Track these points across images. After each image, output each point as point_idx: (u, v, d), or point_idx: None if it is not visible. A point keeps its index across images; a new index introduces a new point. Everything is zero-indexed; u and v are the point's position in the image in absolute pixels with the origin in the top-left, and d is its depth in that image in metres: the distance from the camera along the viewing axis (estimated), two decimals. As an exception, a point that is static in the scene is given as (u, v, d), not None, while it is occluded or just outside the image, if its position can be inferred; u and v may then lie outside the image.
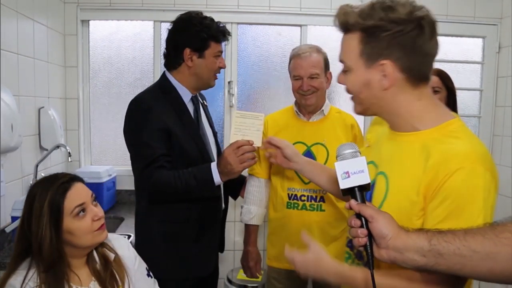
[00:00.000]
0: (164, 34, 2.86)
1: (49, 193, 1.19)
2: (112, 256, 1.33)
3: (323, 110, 1.93)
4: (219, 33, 1.76)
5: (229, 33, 1.81)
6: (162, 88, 1.78)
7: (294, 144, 1.85)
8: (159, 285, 1.47)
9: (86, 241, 1.23)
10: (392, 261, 0.89)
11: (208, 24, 1.75)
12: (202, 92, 1.96)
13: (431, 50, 1.03)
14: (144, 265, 1.44)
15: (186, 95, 1.79)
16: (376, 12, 0.99)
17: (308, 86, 1.85)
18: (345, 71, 1.09)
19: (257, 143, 1.62)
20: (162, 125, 1.65)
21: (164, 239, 1.73)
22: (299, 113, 1.95)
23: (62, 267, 1.20)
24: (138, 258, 1.43)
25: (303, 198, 1.88)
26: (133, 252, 1.42)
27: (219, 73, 1.83)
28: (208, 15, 1.80)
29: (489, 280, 0.84)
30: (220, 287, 2.22)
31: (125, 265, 1.34)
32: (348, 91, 1.11)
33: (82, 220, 1.21)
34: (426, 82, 1.05)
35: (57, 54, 2.65)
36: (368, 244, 0.91)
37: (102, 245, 1.32)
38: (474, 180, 0.92)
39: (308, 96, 1.87)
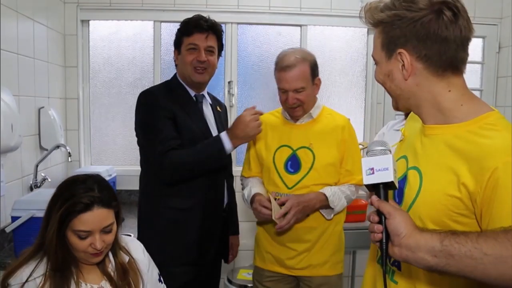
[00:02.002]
0: (164, 34, 2.90)
1: (68, 202, 1.16)
2: (126, 258, 1.32)
3: (311, 113, 1.85)
4: (189, 27, 1.80)
5: (201, 26, 1.78)
6: (169, 84, 1.90)
7: (280, 147, 1.84)
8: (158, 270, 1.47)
9: (78, 256, 1.22)
10: (404, 259, 0.89)
11: (186, 21, 1.82)
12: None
13: (451, 36, 0.98)
14: (156, 270, 1.43)
15: (190, 92, 1.87)
16: (397, 3, 0.99)
17: (293, 100, 1.76)
18: (375, 65, 1.08)
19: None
20: (169, 113, 1.75)
21: (168, 225, 1.78)
22: (287, 115, 1.88)
23: (69, 267, 1.21)
24: (152, 262, 1.42)
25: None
26: (147, 256, 1.41)
27: (201, 67, 1.80)
28: (208, 15, 1.84)
29: (500, 284, 0.84)
30: (220, 287, 2.21)
31: (139, 268, 1.33)
32: (378, 82, 1.10)
33: (81, 242, 1.18)
34: (453, 71, 1.01)
35: (57, 54, 2.65)
36: (383, 240, 0.92)
37: (118, 247, 1.31)
38: None
39: (294, 109, 1.80)
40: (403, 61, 0.99)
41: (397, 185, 0.96)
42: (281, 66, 1.77)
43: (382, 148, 0.97)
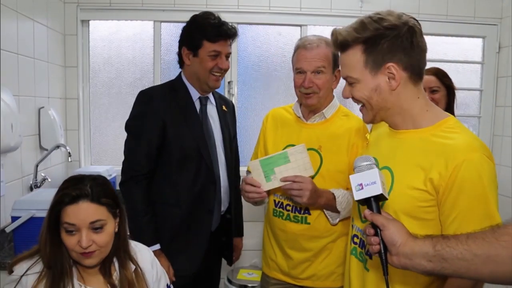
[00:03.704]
0: (164, 34, 2.90)
1: (57, 195, 1.18)
2: (132, 267, 1.29)
3: (323, 112, 1.71)
4: (213, 33, 1.74)
5: (228, 33, 1.77)
6: (172, 85, 1.87)
7: (287, 146, 1.71)
8: None
9: (72, 255, 1.20)
10: (403, 267, 0.94)
11: (205, 23, 1.75)
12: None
13: (424, 47, 1.15)
14: (165, 281, 1.41)
15: (194, 94, 1.85)
16: (369, 24, 1.10)
17: (310, 83, 1.63)
18: (350, 84, 1.17)
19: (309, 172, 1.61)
20: (158, 119, 1.74)
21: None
22: (299, 111, 1.75)
23: (64, 267, 1.20)
24: (160, 272, 1.40)
25: (288, 208, 1.70)
26: (156, 267, 1.38)
27: (219, 73, 1.80)
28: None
29: (493, 282, 0.87)
30: (220, 287, 2.21)
31: (145, 279, 1.31)
32: (358, 101, 1.18)
33: (69, 237, 1.17)
34: (422, 78, 1.16)
35: (57, 54, 2.65)
36: (382, 251, 0.96)
37: (126, 256, 1.29)
38: (481, 168, 1.03)
39: (309, 95, 1.66)
40: (392, 73, 1.11)
41: (387, 196, 1.01)
42: (303, 44, 1.67)
43: (368, 163, 1.03)
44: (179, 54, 1.84)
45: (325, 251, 1.71)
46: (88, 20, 2.81)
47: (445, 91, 2.17)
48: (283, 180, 1.59)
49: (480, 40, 3.04)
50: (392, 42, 1.09)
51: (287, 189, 1.58)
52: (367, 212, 0.99)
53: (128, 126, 1.81)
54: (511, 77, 2.89)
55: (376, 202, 1.00)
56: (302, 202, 1.57)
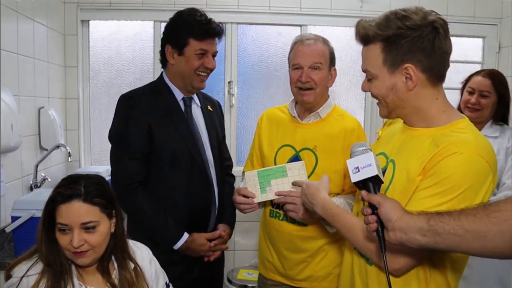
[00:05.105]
0: (164, 34, 2.89)
1: (52, 194, 1.18)
2: (132, 266, 1.29)
3: (318, 112, 1.70)
4: (200, 31, 1.69)
5: (215, 32, 1.71)
6: (154, 86, 1.80)
7: (282, 147, 1.72)
8: None
9: (66, 254, 1.20)
10: (399, 241, 0.97)
11: (191, 20, 1.70)
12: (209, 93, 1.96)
13: (448, 49, 1.12)
14: (163, 280, 1.40)
15: (178, 95, 1.79)
16: (393, 22, 1.09)
17: (307, 78, 1.63)
18: (369, 79, 1.18)
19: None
20: (144, 123, 1.68)
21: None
22: (294, 111, 1.74)
23: (62, 266, 1.20)
24: (159, 270, 1.39)
25: (285, 208, 1.66)
26: (154, 266, 1.38)
27: (205, 73, 1.75)
28: (208, 15, 1.77)
29: (484, 256, 0.92)
30: (220, 287, 2.22)
31: (145, 277, 1.31)
32: (375, 96, 1.20)
33: (62, 236, 1.17)
34: (442, 81, 1.15)
35: (57, 54, 2.65)
36: (379, 229, 1.00)
37: (123, 254, 1.29)
38: (466, 165, 1.02)
39: (305, 92, 1.65)
40: (409, 74, 1.10)
41: (382, 179, 1.07)
42: (301, 40, 1.68)
43: (363, 148, 1.09)
44: (162, 53, 1.77)
45: (321, 252, 1.70)
46: (88, 20, 2.81)
47: (495, 98, 2.00)
48: (278, 194, 1.63)
49: (480, 40, 3.04)
50: (412, 43, 1.07)
51: (282, 202, 1.63)
52: (364, 193, 1.03)
53: (113, 135, 1.74)
54: (511, 77, 2.89)
55: (372, 184, 1.05)
56: (297, 217, 1.60)
